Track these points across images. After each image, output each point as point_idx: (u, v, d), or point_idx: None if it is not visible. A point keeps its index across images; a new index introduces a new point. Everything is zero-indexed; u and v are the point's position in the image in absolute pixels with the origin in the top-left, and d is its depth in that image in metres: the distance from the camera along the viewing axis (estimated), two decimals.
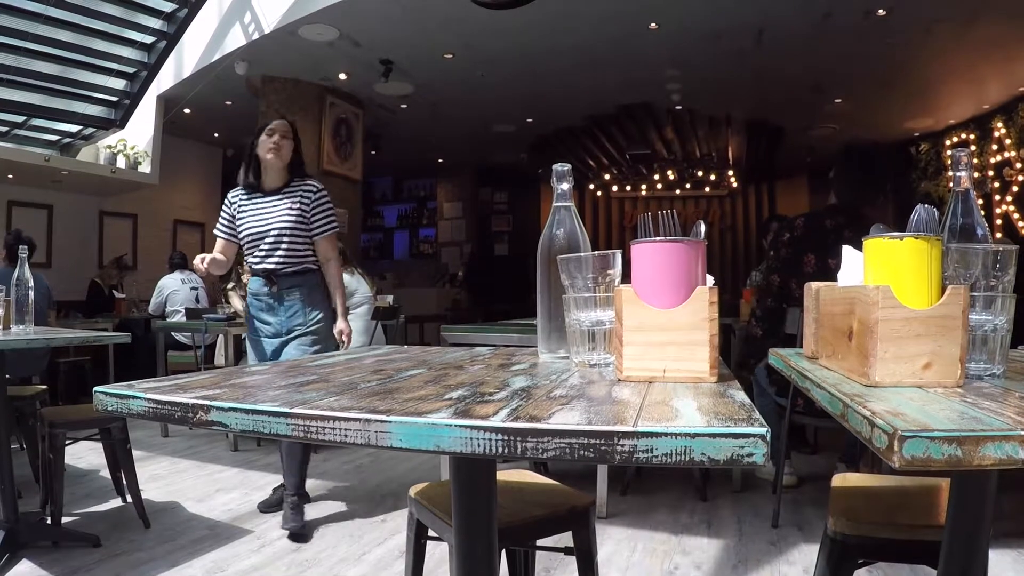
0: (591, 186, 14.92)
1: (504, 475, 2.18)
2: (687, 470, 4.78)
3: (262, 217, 3.95)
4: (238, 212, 4.03)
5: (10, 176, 9.10)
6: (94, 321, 8.18)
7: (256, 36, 7.86)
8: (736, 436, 0.72)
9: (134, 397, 1.01)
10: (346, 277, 6.68)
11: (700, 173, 14.04)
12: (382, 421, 0.80)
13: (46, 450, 3.73)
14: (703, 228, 1.27)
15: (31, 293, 3.56)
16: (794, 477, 4.53)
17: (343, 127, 9.62)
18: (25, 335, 3.33)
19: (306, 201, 3.99)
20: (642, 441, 0.73)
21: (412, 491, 2.05)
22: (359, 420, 0.82)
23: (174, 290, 8.24)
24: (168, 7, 8.09)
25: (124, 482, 4.13)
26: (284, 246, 3.93)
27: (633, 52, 8.28)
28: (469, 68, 8.76)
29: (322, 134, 9.34)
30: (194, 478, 4.96)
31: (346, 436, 0.82)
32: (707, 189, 14.59)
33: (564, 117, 11.24)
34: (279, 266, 3.93)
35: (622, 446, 0.74)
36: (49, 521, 3.70)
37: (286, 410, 0.87)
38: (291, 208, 3.95)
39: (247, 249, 4.01)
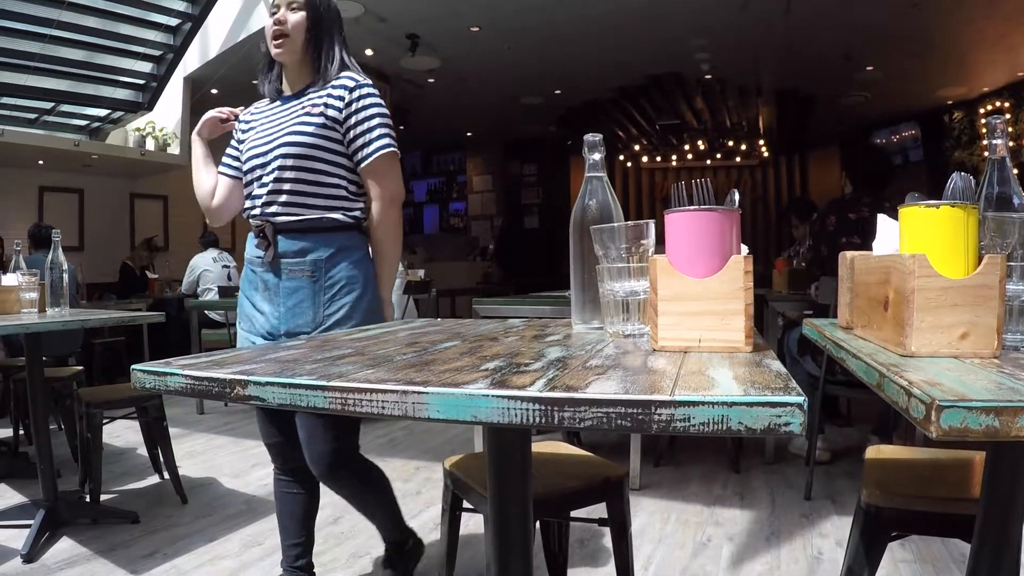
0: (621, 157, 14.83)
1: (538, 447, 2.19)
2: (720, 442, 4.78)
3: (264, 135, 2.46)
4: (244, 133, 2.62)
5: (40, 162, 9.21)
6: (127, 302, 8.28)
7: None
8: (773, 405, 0.72)
9: (171, 374, 1.02)
10: None
11: (731, 143, 13.86)
12: (419, 392, 0.81)
13: (84, 429, 3.79)
14: (737, 197, 1.25)
15: (65, 276, 3.61)
16: (827, 452, 4.50)
17: None
18: (61, 317, 3.37)
19: (336, 103, 2.39)
20: (679, 410, 0.73)
21: (447, 463, 2.06)
22: (396, 392, 0.82)
23: (206, 269, 8.31)
24: None
25: (161, 459, 4.19)
26: (289, 181, 2.37)
27: (660, 21, 8.21)
28: (495, 41, 8.72)
29: None
30: (230, 454, 5.02)
31: (383, 408, 0.82)
32: (738, 159, 14.42)
33: (592, 88, 11.17)
34: (280, 215, 2.39)
35: (659, 415, 0.73)
36: (88, 499, 3.77)
37: (323, 383, 0.87)
38: (309, 116, 2.39)
39: (245, 189, 2.54)
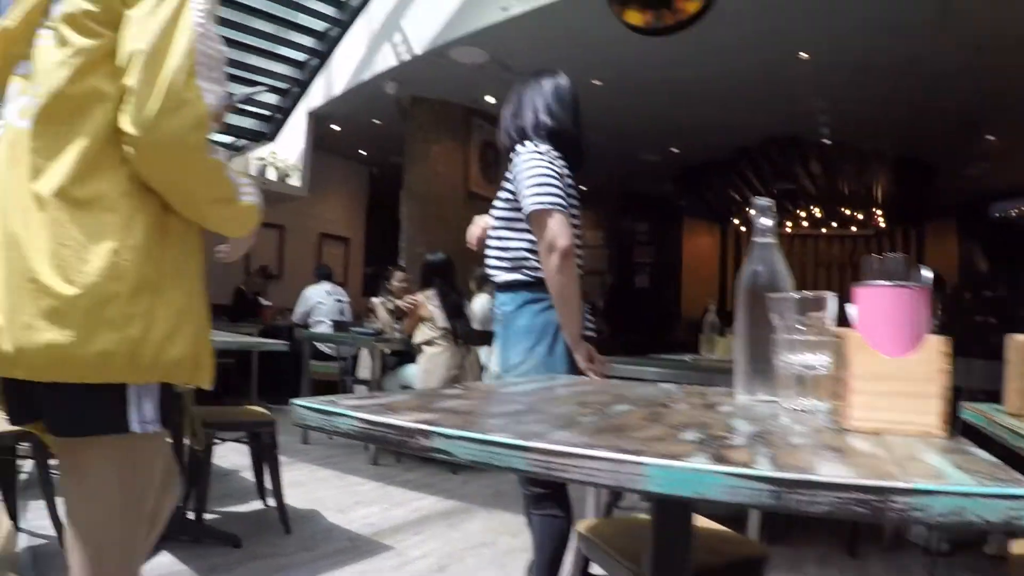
0: (735, 220, 14.54)
1: None
2: (835, 523, 4.57)
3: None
4: None
5: None
6: (239, 326, 8.44)
7: (407, 57, 7.97)
8: (1011, 497, 0.67)
9: (340, 415, 0.98)
10: (491, 300, 6.69)
11: (847, 211, 13.44)
12: (636, 463, 0.75)
13: (195, 448, 3.82)
14: (930, 273, 1.16)
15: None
16: (947, 543, 4.24)
17: (489, 150, 9.65)
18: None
19: (510, 175, 2.70)
20: (917, 499, 0.67)
21: (581, 527, 1.99)
22: (610, 460, 0.76)
23: (319, 301, 8.42)
24: (321, 26, 8.33)
25: (267, 486, 4.20)
26: (488, 248, 2.80)
27: (782, 82, 8.11)
28: (616, 95, 8.69)
29: (468, 156, 9.41)
30: (334, 488, 5.01)
31: (592, 476, 0.77)
32: (853, 228, 13.95)
33: (710, 148, 11.06)
34: (491, 278, 2.82)
35: (895, 503, 0.68)
36: (192, 517, 3.78)
37: (523, 443, 0.81)
38: (501, 190, 2.75)
39: None
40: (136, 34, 1.43)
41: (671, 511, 1.31)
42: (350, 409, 0.98)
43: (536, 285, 2.62)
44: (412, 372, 5.95)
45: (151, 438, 1.50)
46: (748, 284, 1.45)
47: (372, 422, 0.94)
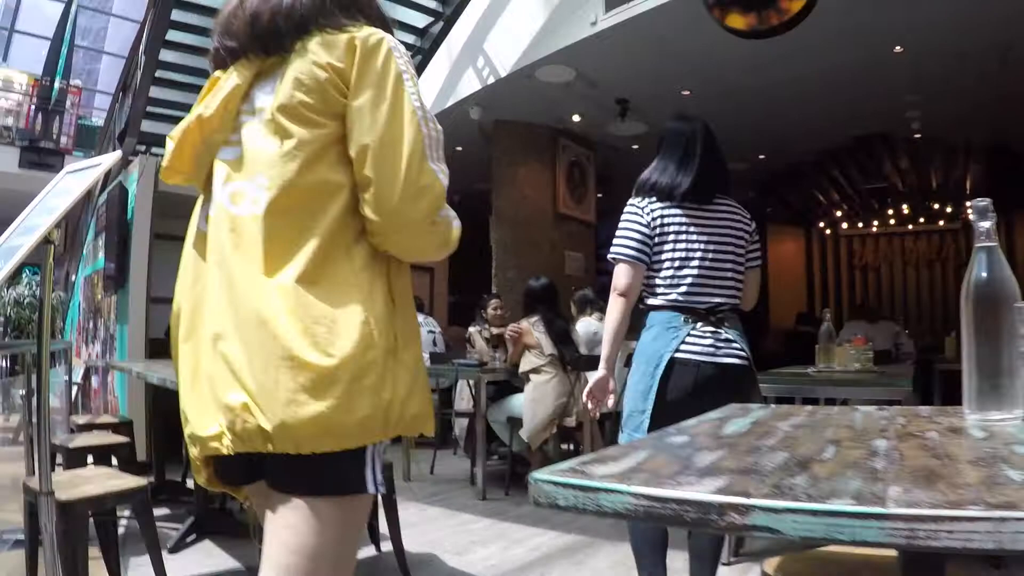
0: (820, 224, 14.32)
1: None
2: None
3: None
4: None
5: None
6: None
7: (491, 80, 7.85)
8: None
9: (609, 491, 0.77)
10: (595, 323, 6.48)
11: (935, 206, 13.09)
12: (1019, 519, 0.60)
13: None
14: None
15: None
16: None
17: (576, 170, 9.53)
18: None
19: None
20: None
21: (768, 566, 1.75)
22: (987, 520, 0.61)
23: None
24: None
25: (380, 531, 4.03)
26: None
27: (875, 78, 7.81)
28: (705, 104, 8.43)
29: (556, 177, 9.29)
30: (447, 528, 4.82)
31: (968, 539, 0.61)
32: (941, 223, 13.50)
33: (797, 151, 10.82)
34: None
35: None
36: None
37: (878, 511, 0.64)
38: None
39: None
40: (365, 127, 1.49)
41: (927, 560, 1.08)
42: (618, 482, 0.77)
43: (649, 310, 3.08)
44: (519, 402, 5.75)
45: (369, 496, 1.54)
46: (975, 293, 1.37)
47: (658, 499, 0.73)
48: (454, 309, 12.21)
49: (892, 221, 13.72)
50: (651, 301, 3.04)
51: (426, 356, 7.77)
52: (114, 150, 6.55)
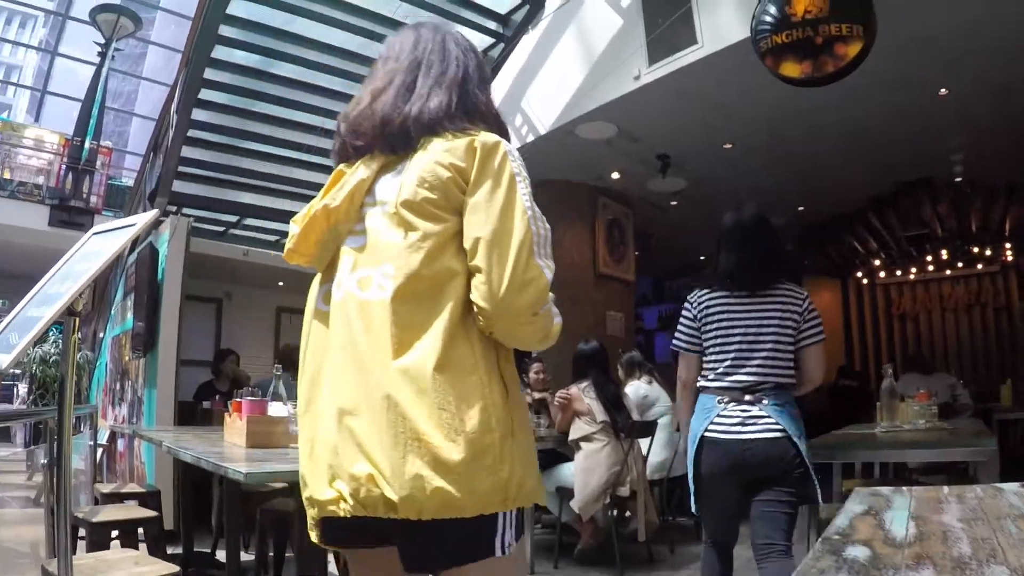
0: (858, 273, 14.12)
1: None
2: None
3: None
4: None
5: (281, 283, 9.26)
6: None
7: (530, 139, 7.69)
8: None
9: None
10: (644, 386, 6.22)
11: (975, 249, 12.81)
12: None
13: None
14: None
15: None
16: None
17: (615, 228, 9.37)
18: None
19: None
20: None
21: None
22: None
23: None
24: None
25: None
26: None
27: (919, 123, 7.67)
28: (747, 157, 8.31)
29: (596, 236, 9.14)
30: None
31: None
32: (979, 266, 13.25)
33: (838, 203, 10.71)
34: None
35: None
36: None
37: None
38: None
39: None
40: (479, 221, 1.64)
41: None
42: None
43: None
44: (568, 471, 5.44)
45: (512, 558, 1.67)
46: None
47: None
48: None
49: (930, 268, 13.52)
50: (700, 384, 3.36)
51: None
52: (144, 210, 6.40)
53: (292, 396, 3.54)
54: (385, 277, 1.65)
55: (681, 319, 3.45)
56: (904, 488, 1.75)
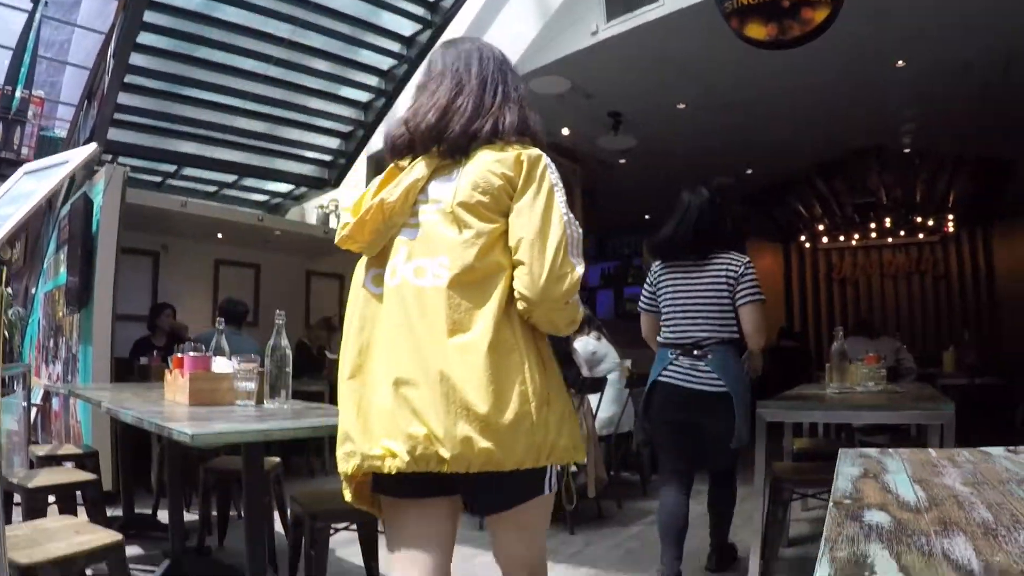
0: (802, 237, 14.23)
1: None
2: None
3: None
4: None
5: (219, 235, 9.04)
6: (302, 381, 7.85)
7: None
8: None
9: None
10: (593, 342, 6.15)
11: (918, 219, 13.03)
12: None
13: (307, 545, 3.26)
14: None
15: (287, 368, 3.17)
16: None
17: (564, 185, 9.21)
18: (293, 415, 2.94)
19: None
20: None
21: None
22: None
23: None
24: (385, 63, 7.86)
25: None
26: None
27: (875, 92, 7.71)
28: (699, 117, 8.24)
29: None
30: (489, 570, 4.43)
31: None
32: (920, 235, 13.56)
33: (787, 166, 10.76)
34: None
35: None
36: None
37: None
38: None
39: None
40: (523, 224, 1.96)
41: None
42: None
43: None
44: None
45: (551, 496, 2.11)
46: None
47: None
48: None
49: (873, 235, 13.71)
50: (659, 339, 4.11)
51: None
52: None
53: (237, 351, 3.41)
54: (441, 267, 1.95)
55: (645, 285, 4.20)
56: (890, 450, 1.74)
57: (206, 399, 3.23)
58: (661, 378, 3.96)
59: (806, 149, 9.82)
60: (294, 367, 8.61)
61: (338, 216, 8.92)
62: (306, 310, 10.46)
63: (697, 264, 3.95)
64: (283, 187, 9.58)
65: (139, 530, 4.77)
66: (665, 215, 4.09)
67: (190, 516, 4.75)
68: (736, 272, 3.87)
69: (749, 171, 10.74)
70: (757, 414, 3.77)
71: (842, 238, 14.05)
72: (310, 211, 9.35)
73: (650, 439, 4.52)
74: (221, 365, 3.43)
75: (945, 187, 11.88)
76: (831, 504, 1.11)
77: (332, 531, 3.37)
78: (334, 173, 9.02)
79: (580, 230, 2.06)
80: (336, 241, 2.14)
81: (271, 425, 2.54)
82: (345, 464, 2.00)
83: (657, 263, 4.15)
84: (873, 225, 13.39)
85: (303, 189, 9.50)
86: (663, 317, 4.06)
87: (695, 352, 3.87)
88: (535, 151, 2.05)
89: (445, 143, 2.06)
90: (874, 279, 14.26)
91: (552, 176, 2.03)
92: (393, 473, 1.90)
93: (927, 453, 1.66)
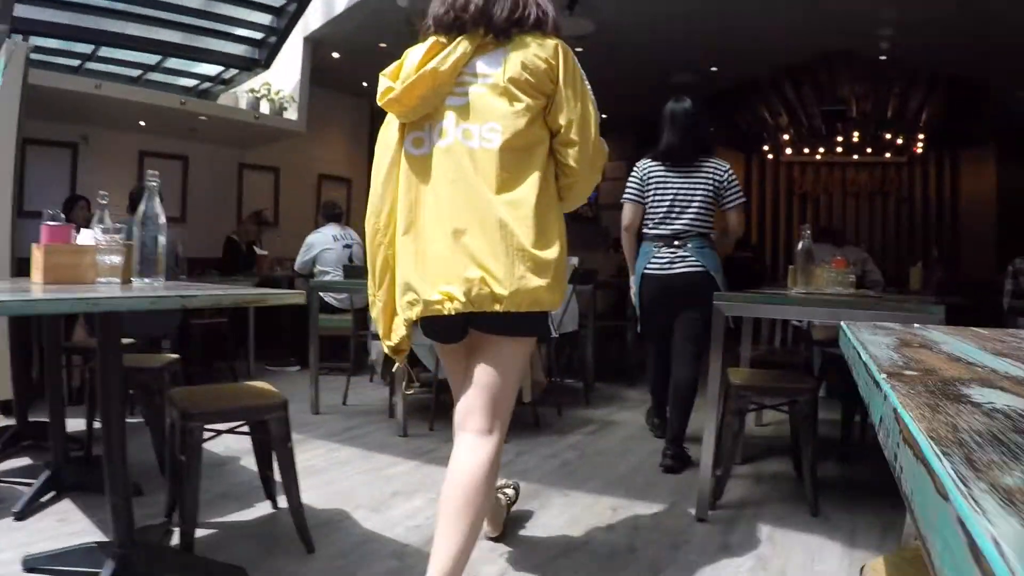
0: (765, 147, 13.62)
1: None
2: None
3: None
4: None
5: (142, 123, 8.26)
6: (232, 279, 7.29)
7: None
8: None
9: None
10: None
11: (888, 136, 12.48)
12: None
13: (176, 448, 2.75)
14: None
15: (161, 238, 2.61)
16: None
17: None
18: (152, 291, 2.38)
19: None
20: None
21: (870, 569, 1.36)
22: None
23: (326, 248, 7.26)
24: None
25: (275, 481, 3.18)
26: None
27: None
28: (662, 4, 7.59)
29: None
30: (361, 473, 3.99)
31: None
32: (887, 155, 13.04)
33: (754, 64, 9.97)
34: None
35: None
36: (177, 540, 2.74)
37: None
38: None
39: None
40: (571, 107, 2.27)
41: None
42: None
43: None
44: None
45: (534, 341, 2.52)
46: None
47: None
48: None
49: (839, 149, 13.19)
50: (643, 231, 4.48)
51: (339, 273, 6.88)
52: None
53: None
54: (492, 132, 2.23)
55: (630, 178, 4.52)
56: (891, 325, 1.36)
57: (64, 276, 2.67)
58: (647, 270, 4.39)
59: (775, 47, 9.13)
60: (223, 265, 8.09)
61: (270, 100, 8.27)
62: (239, 205, 9.81)
63: (688, 169, 4.37)
64: (211, 70, 8.85)
65: (35, 441, 4.21)
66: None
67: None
68: (722, 178, 4.36)
69: (714, 68, 10.10)
70: (715, 307, 3.43)
71: (807, 150, 13.53)
72: (241, 97, 8.64)
73: (645, 325, 4.68)
74: (85, 237, 2.87)
75: (918, 105, 11.41)
76: (882, 378, 0.62)
77: (213, 434, 2.86)
78: (265, 52, 8.32)
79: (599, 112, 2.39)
80: (379, 102, 2.34)
81: (100, 295, 2.00)
82: (409, 311, 2.30)
83: (647, 162, 4.50)
84: (840, 139, 12.86)
85: (232, 72, 8.79)
86: (649, 211, 4.43)
87: (675, 242, 4.32)
88: (564, 44, 2.34)
89: (493, 27, 2.30)
90: (836, 197, 13.88)
91: (579, 66, 2.35)
92: (453, 315, 2.22)
93: (958, 328, 1.28)
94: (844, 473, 4.31)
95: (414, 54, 2.32)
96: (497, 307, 2.16)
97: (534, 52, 2.25)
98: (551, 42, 2.29)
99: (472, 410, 2.32)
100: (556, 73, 2.26)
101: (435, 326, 2.34)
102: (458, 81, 2.29)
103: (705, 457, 3.40)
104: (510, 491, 3.33)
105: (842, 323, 1.21)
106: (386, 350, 2.47)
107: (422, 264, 2.25)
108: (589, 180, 2.37)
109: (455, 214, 2.21)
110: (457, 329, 2.34)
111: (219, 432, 2.94)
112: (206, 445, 2.90)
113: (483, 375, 2.33)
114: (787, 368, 4.95)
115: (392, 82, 2.30)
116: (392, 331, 2.41)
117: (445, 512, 2.21)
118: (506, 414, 2.37)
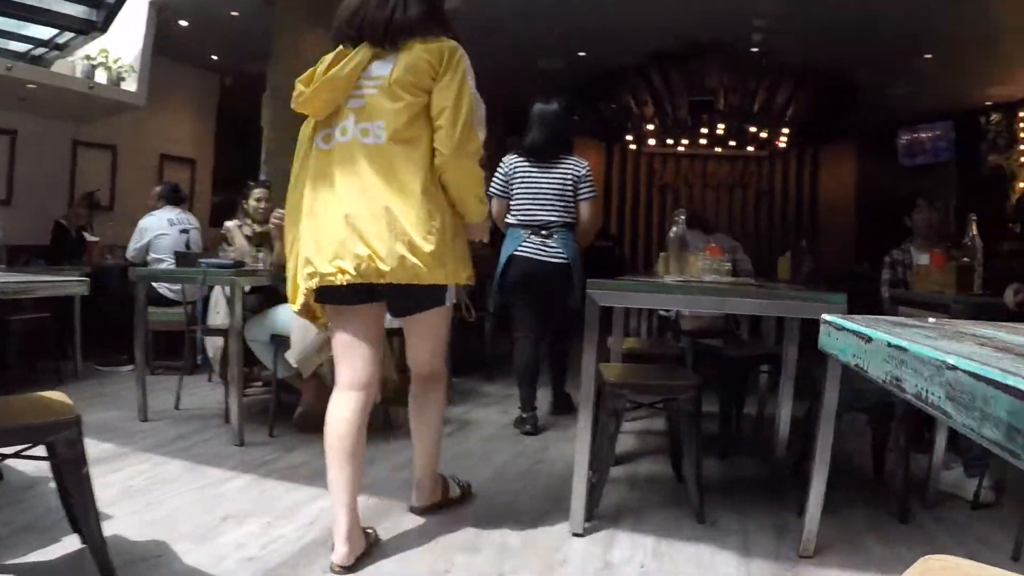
0: (628, 137, 13.40)
1: None
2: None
3: None
4: None
5: None
6: (59, 268, 6.55)
7: None
8: None
9: None
10: None
11: (752, 129, 12.43)
12: None
13: None
14: None
15: None
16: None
17: None
18: None
19: None
20: None
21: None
22: None
23: (160, 233, 6.60)
24: None
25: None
26: None
27: None
28: None
29: None
30: (188, 493, 3.44)
31: None
32: (750, 148, 13.11)
33: (622, 52, 9.87)
34: None
35: None
36: None
37: None
38: None
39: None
40: (444, 97, 2.68)
41: None
42: None
43: None
44: (286, 316, 4.32)
45: (449, 308, 2.98)
46: None
47: None
48: (218, 210, 10.33)
49: (703, 141, 13.10)
50: (508, 220, 4.96)
51: (169, 261, 6.26)
52: None
53: None
54: (380, 129, 2.69)
55: (496, 174, 4.99)
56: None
57: None
58: (517, 252, 4.84)
59: (644, 33, 9.01)
60: (50, 253, 7.31)
61: (108, 68, 7.62)
62: (71, 186, 8.94)
63: (550, 164, 4.90)
64: (45, 33, 8.01)
65: None
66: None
67: None
68: (579, 174, 4.91)
69: (583, 53, 9.93)
70: (590, 296, 3.12)
71: (670, 141, 13.35)
72: (77, 65, 7.85)
73: (506, 304, 5.19)
74: None
75: (786, 99, 11.48)
76: None
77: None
78: (103, 13, 7.58)
79: (483, 107, 2.80)
80: (292, 105, 2.79)
81: None
82: (309, 282, 2.71)
83: (511, 157, 5.01)
84: (705, 131, 12.73)
85: (67, 36, 7.98)
86: (514, 202, 4.93)
87: (543, 232, 4.83)
88: (453, 43, 2.73)
89: (381, 37, 2.71)
90: (696, 189, 13.98)
91: (465, 62, 2.73)
92: (344, 286, 2.64)
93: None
94: (727, 472, 4.11)
95: (324, 63, 2.76)
96: (382, 280, 2.62)
97: (419, 55, 2.67)
98: (439, 45, 2.70)
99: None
100: (437, 70, 2.67)
101: (331, 293, 2.76)
102: (357, 85, 2.73)
103: (579, 466, 3.05)
104: (460, 487, 3.51)
105: (824, 316, 0.85)
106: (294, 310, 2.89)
107: (319, 243, 2.70)
108: (460, 166, 2.73)
109: (349, 201, 2.67)
110: (351, 296, 2.74)
111: (4, 456, 2.36)
112: (13, 464, 2.33)
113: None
114: (661, 361, 4.71)
115: (305, 87, 2.75)
116: (296, 298, 2.83)
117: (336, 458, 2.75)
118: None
